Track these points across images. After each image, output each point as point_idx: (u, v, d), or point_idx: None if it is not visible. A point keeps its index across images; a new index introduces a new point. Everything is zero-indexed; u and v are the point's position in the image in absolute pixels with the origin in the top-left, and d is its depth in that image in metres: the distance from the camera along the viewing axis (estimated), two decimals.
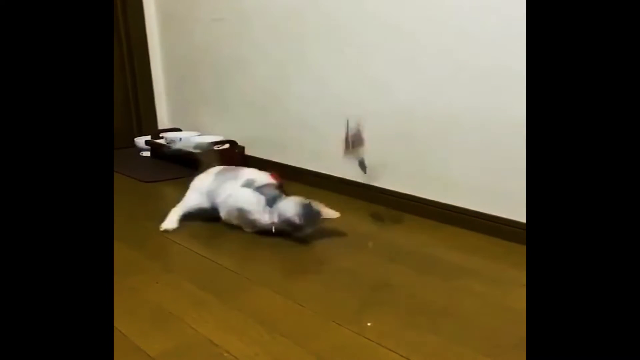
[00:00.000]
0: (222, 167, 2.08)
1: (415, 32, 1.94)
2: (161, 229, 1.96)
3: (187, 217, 2.03)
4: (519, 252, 1.68)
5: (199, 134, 2.94)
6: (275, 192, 1.88)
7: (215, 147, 2.60)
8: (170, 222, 1.99)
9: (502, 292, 1.46)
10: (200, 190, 2.02)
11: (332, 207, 2.16)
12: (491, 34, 1.73)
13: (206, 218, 2.05)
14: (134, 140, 3.18)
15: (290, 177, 2.52)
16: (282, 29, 2.46)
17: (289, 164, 2.55)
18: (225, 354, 1.21)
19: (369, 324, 1.30)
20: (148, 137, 3.05)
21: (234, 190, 1.92)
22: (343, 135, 2.04)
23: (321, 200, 2.27)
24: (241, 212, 1.89)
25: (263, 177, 1.95)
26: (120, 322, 1.33)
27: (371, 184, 2.20)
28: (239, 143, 2.74)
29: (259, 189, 1.88)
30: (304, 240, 1.80)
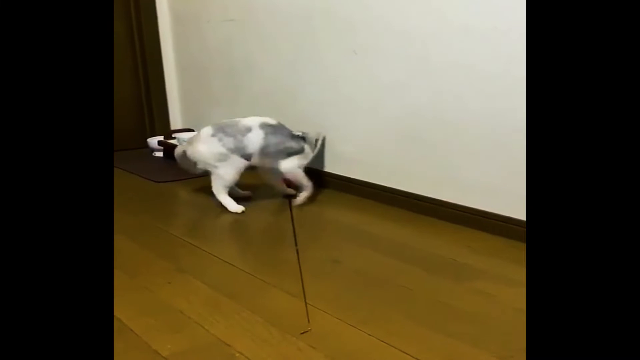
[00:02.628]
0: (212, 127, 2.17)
1: (426, 35, 1.93)
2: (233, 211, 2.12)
3: (199, 217, 2.03)
4: None
5: None
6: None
7: None
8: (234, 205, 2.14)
9: (514, 293, 1.45)
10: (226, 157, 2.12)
11: (344, 208, 2.18)
12: (502, 38, 1.72)
13: (218, 216, 2.05)
14: (146, 141, 3.20)
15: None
16: (294, 31, 2.46)
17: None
18: (237, 355, 1.21)
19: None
20: (161, 138, 3.07)
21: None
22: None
23: (333, 201, 2.29)
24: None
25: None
26: (133, 322, 1.34)
27: (382, 184, 2.20)
28: None
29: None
30: None
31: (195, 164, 2.16)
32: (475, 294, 1.46)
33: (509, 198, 1.80)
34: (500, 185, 1.82)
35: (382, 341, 1.24)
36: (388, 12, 2.05)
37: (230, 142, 2.10)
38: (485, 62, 1.78)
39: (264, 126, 2.14)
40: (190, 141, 2.20)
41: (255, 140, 2.11)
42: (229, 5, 2.77)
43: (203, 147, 2.12)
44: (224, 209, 2.17)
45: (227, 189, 2.15)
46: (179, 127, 3.27)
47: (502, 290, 1.47)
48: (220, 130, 2.12)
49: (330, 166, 2.43)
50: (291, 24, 2.47)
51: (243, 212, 2.12)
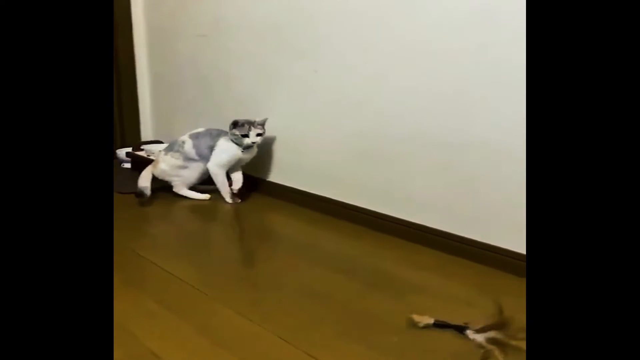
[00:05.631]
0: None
1: (384, 55, 1.98)
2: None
3: (156, 229, 2.04)
4: (473, 269, 1.71)
5: None
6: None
7: None
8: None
9: (449, 309, 1.48)
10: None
11: (301, 222, 2.21)
12: (456, 59, 1.77)
13: (175, 228, 2.07)
14: (115, 152, 3.22)
15: (265, 192, 2.56)
16: (261, 47, 2.50)
17: (267, 179, 2.58)
18: None
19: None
20: (129, 149, 3.09)
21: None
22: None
23: (291, 215, 2.32)
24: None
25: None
26: None
27: (339, 199, 2.23)
28: None
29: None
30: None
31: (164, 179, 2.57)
32: (411, 308, 1.48)
33: (456, 216, 1.83)
34: (449, 203, 1.86)
35: (307, 353, 1.27)
36: (352, 30, 2.09)
37: (178, 155, 2.51)
38: (439, 82, 1.83)
39: (191, 136, 2.52)
40: (154, 164, 2.58)
41: (188, 149, 2.49)
42: (201, 20, 2.82)
43: (163, 165, 2.53)
44: (181, 219, 2.24)
45: (188, 187, 2.55)
46: (150, 139, 3.30)
47: (438, 306, 1.50)
48: (169, 149, 2.55)
49: (290, 180, 2.47)
50: (258, 40, 2.51)
51: (210, 198, 2.52)
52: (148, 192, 2.47)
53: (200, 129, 2.54)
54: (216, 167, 2.46)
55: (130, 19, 3.26)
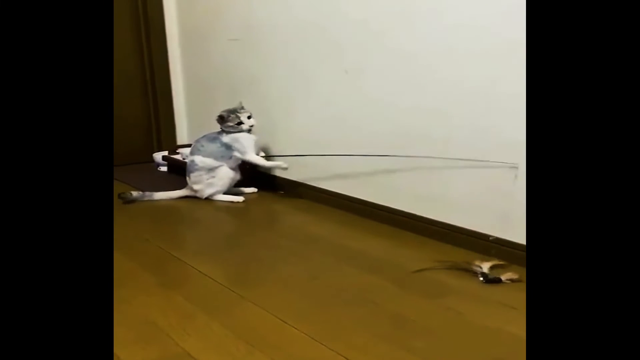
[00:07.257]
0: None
1: (415, 54, 1.97)
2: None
3: (189, 230, 2.08)
4: (514, 272, 1.69)
5: None
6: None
7: None
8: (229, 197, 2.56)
9: (481, 311, 1.46)
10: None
11: (328, 222, 2.21)
12: (485, 58, 1.75)
13: (208, 229, 2.10)
14: (152, 156, 3.28)
15: (298, 194, 2.58)
16: (290, 50, 2.52)
17: (300, 181, 2.60)
18: None
19: None
20: (165, 153, 3.15)
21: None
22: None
23: (317, 215, 2.33)
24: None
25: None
26: None
27: (373, 201, 2.22)
28: None
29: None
30: None
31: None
32: (443, 310, 1.48)
33: (490, 216, 1.81)
34: (480, 203, 1.83)
35: (342, 355, 1.27)
36: (377, 33, 2.09)
37: (199, 172, 2.56)
38: (469, 81, 1.81)
39: (193, 152, 2.59)
40: (189, 190, 2.64)
41: (202, 161, 2.55)
42: (232, 24, 2.85)
43: (196, 186, 2.60)
44: (212, 220, 2.30)
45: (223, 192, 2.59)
46: (186, 142, 3.35)
47: (470, 308, 1.48)
48: (189, 173, 2.60)
49: (316, 180, 2.47)
50: (288, 44, 2.53)
51: (243, 200, 2.56)
52: (141, 198, 2.54)
53: (192, 143, 2.64)
54: (249, 154, 2.52)
55: (164, 24, 3.33)
